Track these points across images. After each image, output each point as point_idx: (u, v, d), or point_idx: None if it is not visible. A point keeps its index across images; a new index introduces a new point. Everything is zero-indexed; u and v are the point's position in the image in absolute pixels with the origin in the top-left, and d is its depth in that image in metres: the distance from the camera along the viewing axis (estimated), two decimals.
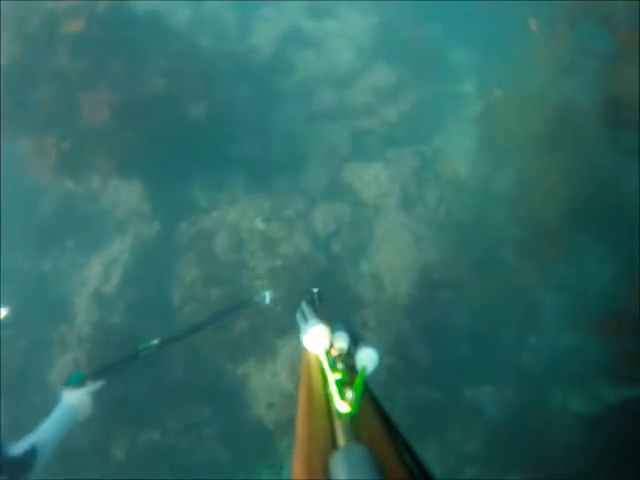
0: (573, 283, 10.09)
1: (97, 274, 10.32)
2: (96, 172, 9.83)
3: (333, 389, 1.24)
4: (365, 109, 12.38)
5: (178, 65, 9.75)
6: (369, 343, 1.44)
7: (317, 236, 10.81)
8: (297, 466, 1.04)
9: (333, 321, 1.65)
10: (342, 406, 1.19)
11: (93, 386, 3.53)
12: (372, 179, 11.22)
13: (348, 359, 1.45)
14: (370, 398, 1.27)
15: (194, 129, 10.38)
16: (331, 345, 1.50)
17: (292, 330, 9.33)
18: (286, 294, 9.86)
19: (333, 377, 1.29)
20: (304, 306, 1.85)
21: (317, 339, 1.48)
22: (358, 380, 1.26)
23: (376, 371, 1.41)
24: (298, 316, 1.80)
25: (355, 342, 1.50)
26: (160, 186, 11.06)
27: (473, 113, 12.08)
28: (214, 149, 11.15)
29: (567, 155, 8.89)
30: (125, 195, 11.27)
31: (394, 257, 10.61)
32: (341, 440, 1.10)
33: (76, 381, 3.50)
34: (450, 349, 9.78)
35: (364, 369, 1.36)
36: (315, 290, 2.21)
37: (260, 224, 10.76)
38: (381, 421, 1.18)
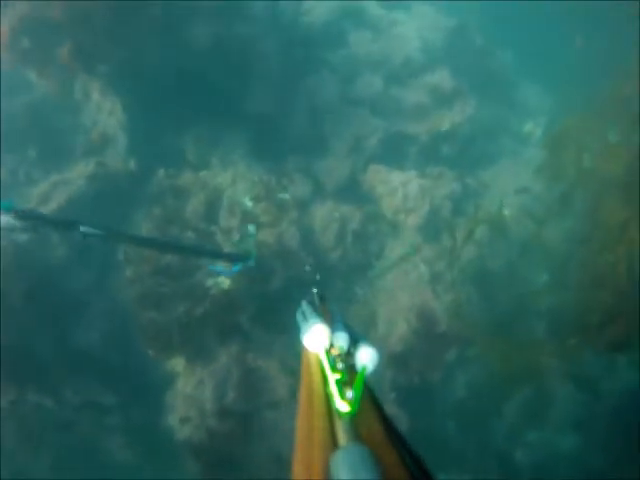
0: (596, 382, 8.50)
1: (41, 193, 9.00)
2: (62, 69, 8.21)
3: (333, 389, 1.24)
4: (414, 111, 10.65)
5: None
6: (369, 342, 1.42)
7: (311, 235, 8.92)
8: (297, 466, 1.06)
9: (333, 320, 1.62)
10: (342, 406, 1.18)
11: (13, 222, 3.73)
12: (400, 188, 9.41)
13: (348, 359, 1.41)
14: (370, 398, 1.26)
15: (200, 61, 9.24)
16: (331, 345, 1.47)
17: (236, 339, 8.35)
18: (248, 290, 8.14)
19: (333, 377, 1.29)
20: (304, 305, 1.83)
21: (317, 339, 1.46)
22: (358, 380, 1.26)
23: (376, 371, 1.36)
24: (298, 315, 1.77)
25: (355, 342, 1.46)
26: (147, 119, 9.64)
27: (532, 157, 10.81)
28: (220, 95, 9.73)
29: None
30: (105, 117, 9.42)
31: (399, 290, 9.04)
32: (341, 440, 1.09)
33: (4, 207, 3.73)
34: (434, 422, 8.44)
35: (364, 369, 1.35)
36: (315, 290, 2.15)
37: (248, 201, 8.83)
38: (381, 421, 1.18)
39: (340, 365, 1.37)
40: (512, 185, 10.52)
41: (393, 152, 10.39)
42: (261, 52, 10.11)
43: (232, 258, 6.90)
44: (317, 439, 1.11)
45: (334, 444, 1.08)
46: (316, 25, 11.68)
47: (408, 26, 12.23)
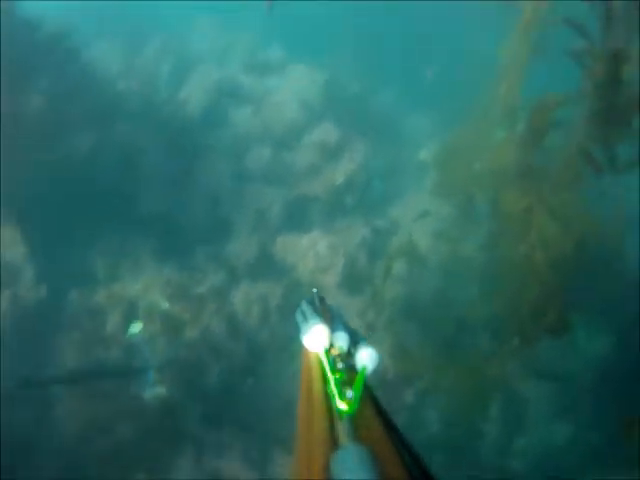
0: (561, 365, 8.69)
1: None
2: None
3: (333, 389, 1.24)
4: (307, 172, 10.85)
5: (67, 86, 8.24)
6: (369, 343, 1.43)
7: (235, 321, 8.88)
8: (297, 466, 1.08)
9: (333, 320, 1.62)
10: (342, 406, 1.19)
11: None
12: (310, 252, 9.49)
13: (348, 359, 1.42)
14: (370, 398, 1.27)
15: (86, 170, 9.37)
16: (331, 345, 1.47)
17: (189, 446, 8.09)
18: (187, 393, 7.88)
19: (333, 377, 1.30)
20: (304, 305, 1.81)
21: (317, 339, 1.46)
22: (358, 380, 1.27)
23: (376, 371, 1.38)
24: (298, 315, 1.75)
25: (355, 342, 1.47)
26: (48, 242, 9.49)
27: (432, 181, 11.04)
28: (114, 202, 9.78)
29: (546, 212, 7.47)
30: (5, 249, 9.25)
31: None
32: (341, 440, 1.08)
33: None
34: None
35: (364, 369, 1.36)
36: (315, 290, 2.06)
37: (164, 303, 8.79)
38: (381, 421, 1.18)
39: (340, 365, 1.39)
40: (420, 213, 10.82)
41: (297, 217, 10.62)
42: (146, 150, 10.24)
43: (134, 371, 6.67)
44: (317, 439, 1.11)
45: (334, 444, 1.07)
46: (196, 112, 11.92)
47: (284, 90, 12.64)
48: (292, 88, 12.71)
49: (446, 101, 13.26)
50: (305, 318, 1.64)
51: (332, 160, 11.21)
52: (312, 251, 9.75)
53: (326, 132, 11.36)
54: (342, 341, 1.48)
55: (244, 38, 15.43)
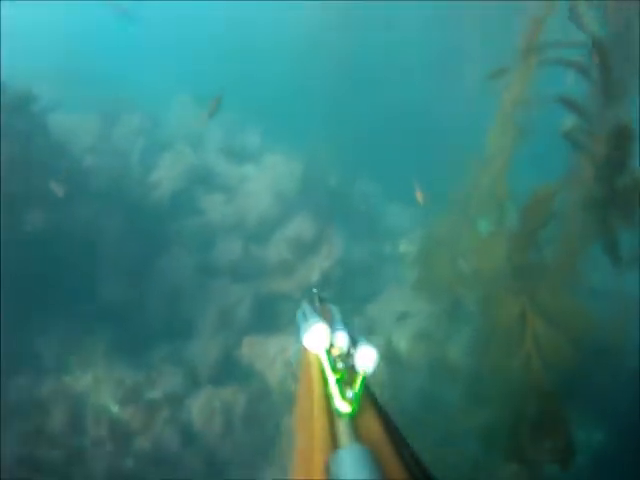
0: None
1: None
2: None
3: (333, 389, 1.28)
4: (280, 268, 10.24)
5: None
6: (369, 343, 1.46)
7: (192, 431, 7.96)
8: (297, 466, 1.09)
9: (333, 320, 1.66)
10: (342, 406, 1.22)
11: None
12: (279, 357, 8.69)
13: (348, 359, 1.46)
14: (370, 398, 1.30)
15: (49, 256, 8.66)
16: (331, 345, 1.50)
17: None
18: None
19: (333, 377, 1.33)
20: (305, 305, 1.88)
21: (318, 338, 1.49)
22: (358, 380, 1.31)
23: (375, 371, 1.41)
24: (299, 315, 1.81)
25: (354, 342, 1.51)
26: None
27: (413, 277, 10.28)
28: (74, 289, 9.09)
29: (541, 316, 6.79)
30: None
31: None
32: (341, 440, 1.11)
33: None
34: None
35: (364, 369, 1.39)
36: (315, 290, 2.17)
37: (113, 405, 7.90)
38: (381, 421, 1.20)
39: (340, 365, 1.39)
40: (401, 311, 10.19)
41: (267, 317, 9.90)
42: (108, 233, 9.58)
43: None
44: (317, 439, 1.09)
45: (334, 444, 1.07)
46: (165, 197, 11.35)
47: (260, 180, 12.23)
48: (267, 177, 12.30)
49: (426, 191, 13.05)
50: (306, 318, 1.65)
51: (307, 255, 10.62)
52: (282, 356, 8.97)
53: (302, 225, 10.86)
54: (342, 341, 1.49)
55: (222, 122, 15.14)
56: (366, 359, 1.39)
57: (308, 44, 18.46)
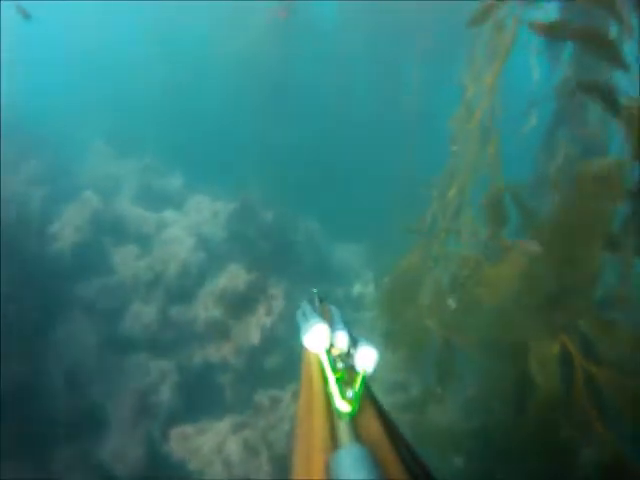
0: None
1: None
2: None
3: (334, 388, 1.26)
4: (208, 331, 8.15)
5: None
6: (369, 342, 1.43)
7: None
8: (297, 466, 1.08)
9: (333, 320, 1.61)
10: (342, 405, 1.20)
11: None
12: (216, 450, 6.54)
13: (348, 359, 1.43)
14: (370, 398, 1.28)
15: None
16: (331, 344, 1.47)
17: None
18: None
19: (333, 376, 1.31)
20: (304, 305, 1.82)
21: (318, 338, 1.45)
22: (358, 380, 1.30)
23: (375, 370, 1.37)
24: (299, 315, 1.75)
25: (354, 342, 1.48)
26: None
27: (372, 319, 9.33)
28: None
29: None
30: None
31: None
32: (341, 440, 1.10)
33: None
34: None
35: (364, 369, 1.37)
36: (315, 290, 2.07)
37: None
38: (381, 421, 1.18)
39: (340, 365, 1.37)
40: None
41: (199, 397, 7.73)
42: None
43: None
44: (317, 439, 1.09)
45: (334, 444, 1.06)
46: (66, 252, 9.11)
47: (181, 225, 10.08)
48: (190, 221, 10.24)
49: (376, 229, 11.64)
50: (306, 318, 1.61)
51: (243, 312, 8.52)
52: (219, 456, 6.80)
53: (233, 276, 8.77)
54: (342, 341, 1.45)
55: (139, 168, 13.14)
56: (366, 359, 1.36)
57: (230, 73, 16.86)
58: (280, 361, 8.37)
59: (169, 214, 10.66)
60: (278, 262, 10.15)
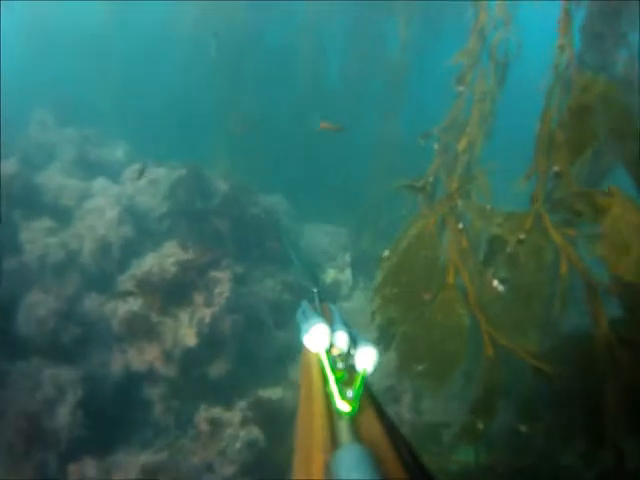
0: None
1: None
2: None
3: (334, 388, 1.25)
4: (129, 330, 6.14)
5: None
6: (368, 342, 1.40)
7: None
8: (297, 466, 1.06)
9: (333, 320, 1.58)
10: (342, 405, 1.20)
11: None
12: None
13: (348, 358, 1.41)
14: (370, 398, 1.27)
15: None
16: (331, 344, 1.45)
17: None
18: None
19: (333, 377, 1.30)
20: (305, 305, 1.82)
21: (318, 338, 1.44)
22: (358, 379, 1.28)
23: (376, 370, 1.34)
24: (299, 315, 1.74)
25: (354, 341, 1.45)
26: None
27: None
28: None
29: None
30: None
31: None
32: (341, 440, 1.09)
33: None
34: None
35: (364, 369, 1.35)
36: (315, 290, 2.12)
37: None
38: (381, 421, 1.17)
39: (340, 365, 1.36)
40: None
41: (110, 421, 5.70)
42: None
43: None
44: (317, 439, 1.08)
45: (334, 443, 1.05)
46: None
47: (109, 193, 8.00)
48: (122, 190, 8.18)
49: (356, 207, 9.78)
50: (306, 317, 1.62)
51: (178, 303, 6.46)
52: None
53: (164, 255, 6.68)
54: (342, 341, 1.44)
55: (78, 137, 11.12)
56: (366, 359, 1.34)
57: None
58: (227, 368, 6.36)
59: (98, 183, 8.56)
60: (232, 242, 8.15)
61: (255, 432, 5.62)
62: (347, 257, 10.63)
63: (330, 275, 10.17)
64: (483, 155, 4.99)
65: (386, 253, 4.68)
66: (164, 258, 6.49)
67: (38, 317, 6.03)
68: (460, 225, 4.02)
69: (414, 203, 5.09)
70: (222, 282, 6.52)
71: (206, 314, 6.19)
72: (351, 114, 12.05)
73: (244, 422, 5.68)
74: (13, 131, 11.03)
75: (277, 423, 5.74)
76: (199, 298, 6.29)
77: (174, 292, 6.34)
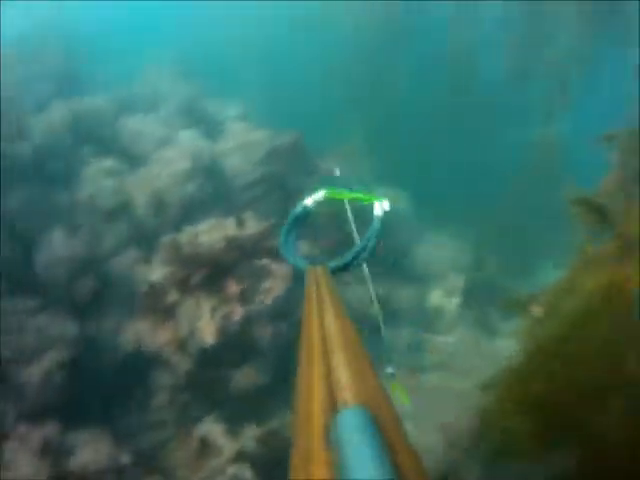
0: None
1: None
2: None
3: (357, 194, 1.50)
4: (146, 302, 4.87)
5: None
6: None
7: None
8: (297, 429, 0.95)
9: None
10: (379, 202, 1.54)
11: None
12: None
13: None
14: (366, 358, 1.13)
15: None
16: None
17: None
18: None
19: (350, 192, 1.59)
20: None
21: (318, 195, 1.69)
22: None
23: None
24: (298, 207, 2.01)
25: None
26: None
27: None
28: None
29: None
30: None
31: None
32: (340, 400, 0.96)
33: None
34: None
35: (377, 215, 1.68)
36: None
37: None
38: (379, 382, 1.04)
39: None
40: None
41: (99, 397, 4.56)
42: None
43: None
44: (316, 399, 1.00)
45: (334, 406, 0.96)
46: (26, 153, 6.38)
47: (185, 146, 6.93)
48: (202, 146, 7.10)
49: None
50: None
51: (209, 286, 5.13)
52: None
53: (221, 227, 5.39)
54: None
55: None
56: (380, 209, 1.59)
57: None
58: (257, 381, 4.95)
59: (185, 134, 7.53)
60: (317, 233, 6.71)
61: (246, 475, 4.18)
62: (460, 281, 8.90)
63: (434, 297, 8.51)
64: None
65: (536, 309, 3.28)
66: (216, 230, 5.16)
67: (53, 258, 5.04)
68: None
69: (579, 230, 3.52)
70: (276, 276, 5.06)
71: (236, 311, 4.76)
72: (508, 112, 10.62)
73: (239, 457, 4.26)
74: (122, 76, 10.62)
75: (279, 467, 4.29)
76: (233, 288, 4.86)
77: (212, 272, 4.98)
